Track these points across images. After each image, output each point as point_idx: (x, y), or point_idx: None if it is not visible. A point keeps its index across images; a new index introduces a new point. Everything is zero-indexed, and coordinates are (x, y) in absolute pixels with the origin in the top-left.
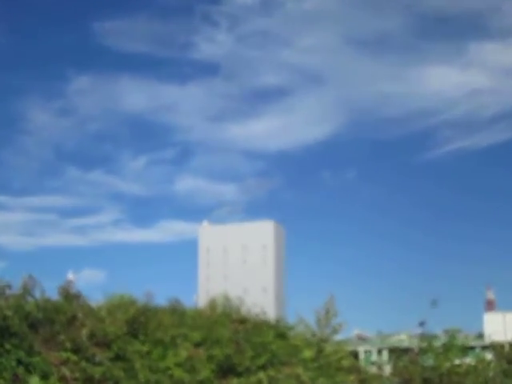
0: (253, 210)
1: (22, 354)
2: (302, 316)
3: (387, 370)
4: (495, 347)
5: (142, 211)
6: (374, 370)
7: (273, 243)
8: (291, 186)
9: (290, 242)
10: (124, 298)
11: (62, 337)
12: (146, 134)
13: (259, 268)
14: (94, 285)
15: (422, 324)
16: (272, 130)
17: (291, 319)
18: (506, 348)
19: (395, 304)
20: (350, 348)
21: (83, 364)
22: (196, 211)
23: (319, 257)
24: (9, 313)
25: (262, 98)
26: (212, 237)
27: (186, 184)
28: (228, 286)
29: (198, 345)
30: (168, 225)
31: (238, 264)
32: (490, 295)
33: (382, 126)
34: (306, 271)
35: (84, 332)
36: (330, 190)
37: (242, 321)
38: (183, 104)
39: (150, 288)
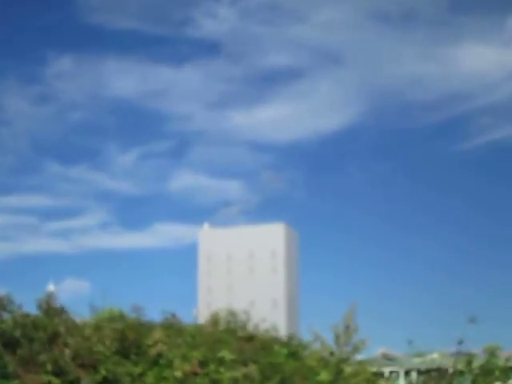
0: (261, 211)
1: None
2: (318, 332)
3: None
4: None
5: (134, 212)
6: None
7: (284, 249)
8: (305, 183)
9: (304, 247)
10: (113, 313)
11: (42, 357)
12: (137, 123)
13: (268, 277)
14: (79, 297)
15: (460, 342)
16: (282, 119)
17: (305, 336)
18: None
19: (426, 319)
20: (373, 369)
21: None
22: (195, 212)
23: (337, 264)
24: None
25: (270, 82)
26: (214, 242)
27: (184, 181)
28: (232, 299)
29: (198, 366)
30: (163, 228)
31: (243, 273)
32: None
33: (410, 113)
34: (322, 281)
35: (67, 352)
36: (350, 188)
37: (249, 338)
38: (180, 89)
39: (142, 301)
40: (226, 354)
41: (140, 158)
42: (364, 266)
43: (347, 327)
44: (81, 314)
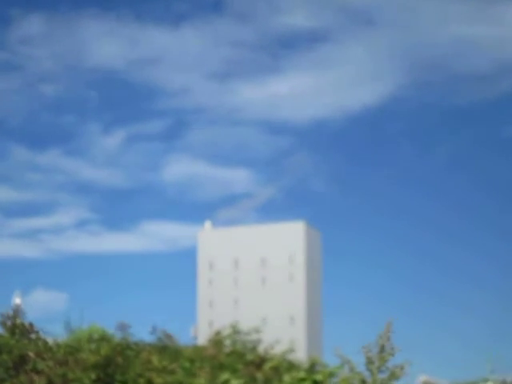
0: (275, 207)
1: None
2: (346, 355)
3: None
4: None
5: (118, 209)
6: None
7: (303, 253)
8: (329, 173)
9: (328, 251)
10: (94, 332)
11: None
12: (123, 99)
13: (284, 289)
14: (52, 312)
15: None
16: (301, 93)
17: (330, 360)
18: None
19: (475, 342)
20: None
21: None
22: (194, 209)
23: (368, 273)
24: None
25: (286, 47)
26: (217, 245)
27: (180, 170)
28: (240, 315)
29: None
30: (155, 228)
31: (253, 284)
32: None
33: (457, 87)
34: (349, 292)
35: (38, 379)
36: (384, 179)
37: (260, 363)
38: (175, 56)
39: (130, 317)
40: (231, 383)
41: (126, 142)
42: (399, 274)
43: (382, 349)
44: (55, 334)
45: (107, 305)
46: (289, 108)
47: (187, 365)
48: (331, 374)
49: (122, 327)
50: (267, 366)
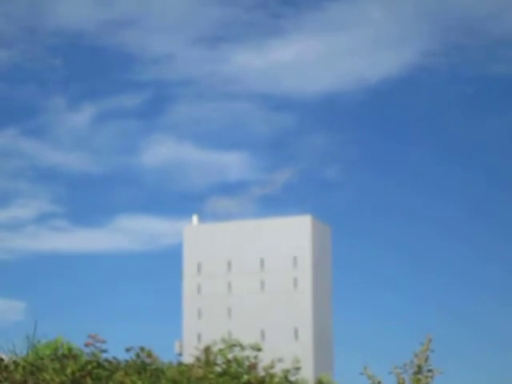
0: (277, 198)
1: None
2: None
3: None
4: None
5: (88, 200)
6: None
7: (310, 253)
8: (341, 156)
9: (340, 250)
10: (58, 348)
11: None
12: (93, 68)
13: (287, 295)
14: (9, 324)
15: None
16: (309, 61)
17: (343, 379)
18: None
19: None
20: None
21: None
22: (179, 200)
23: (388, 275)
24: None
25: (290, 5)
26: (206, 243)
27: (162, 153)
28: (234, 326)
29: None
30: (131, 223)
31: (250, 289)
32: None
33: (496, 54)
34: (366, 299)
35: None
36: (407, 162)
37: None
38: (154, 17)
39: (102, 330)
40: None
41: (97, 120)
42: (426, 278)
43: (418, 370)
44: (11, 349)
45: (75, 315)
46: (293, 79)
47: None
48: None
49: (93, 341)
50: None
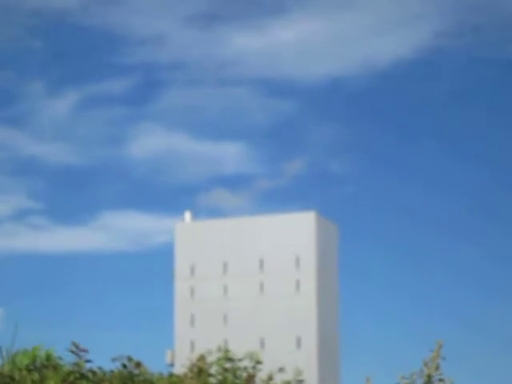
0: (277, 193)
1: None
2: None
3: None
4: None
5: (70, 195)
6: None
7: (315, 253)
8: (348, 148)
9: (348, 249)
10: (37, 357)
11: None
12: (75, 50)
13: (289, 300)
14: None
15: None
16: (312, 42)
17: None
18: None
19: None
20: None
21: None
22: (169, 195)
23: (399, 276)
24: None
25: None
26: (200, 242)
27: (151, 144)
28: (230, 334)
29: None
30: (118, 220)
31: (248, 292)
32: None
33: None
34: (376, 304)
35: None
36: (422, 153)
37: None
38: None
39: (86, 338)
40: None
41: (80, 107)
42: (436, 281)
43: (428, 380)
44: None
45: (56, 321)
46: (295, 62)
47: None
48: None
49: (76, 350)
50: None
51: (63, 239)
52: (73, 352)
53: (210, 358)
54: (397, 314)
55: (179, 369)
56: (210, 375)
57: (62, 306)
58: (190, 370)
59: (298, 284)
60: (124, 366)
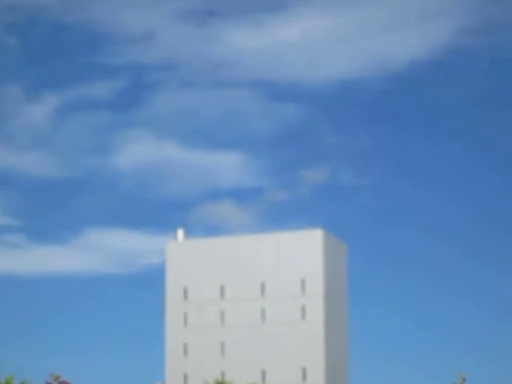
0: (280, 209)
1: None
2: None
3: None
4: None
5: (49, 210)
6: None
7: (322, 275)
8: (362, 158)
9: (358, 271)
10: None
11: None
12: (56, 50)
13: (293, 327)
14: None
15: None
16: (319, 40)
17: None
18: None
19: None
20: None
21: None
22: (161, 210)
23: (415, 299)
24: None
25: None
26: (194, 263)
27: (140, 154)
28: (228, 365)
29: None
30: (102, 238)
31: (248, 319)
32: None
33: None
34: (391, 332)
35: None
36: (442, 162)
37: None
38: None
39: (67, 368)
40: None
41: (61, 113)
42: (454, 306)
43: None
44: None
45: (33, 348)
46: (300, 63)
47: None
48: None
49: (55, 382)
50: None
51: (42, 259)
52: None
53: None
54: (412, 343)
55: None
56: None
57: (40, 331)
58: None
59: (303, 310)
60: None
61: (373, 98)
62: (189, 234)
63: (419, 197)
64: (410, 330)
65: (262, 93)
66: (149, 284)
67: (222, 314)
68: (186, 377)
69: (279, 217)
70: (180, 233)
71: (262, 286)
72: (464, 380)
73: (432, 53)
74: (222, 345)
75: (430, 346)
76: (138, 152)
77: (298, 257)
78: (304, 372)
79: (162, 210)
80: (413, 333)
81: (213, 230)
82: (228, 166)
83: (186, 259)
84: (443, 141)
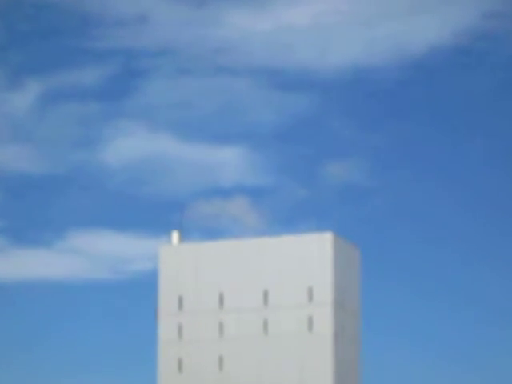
0: (286, 209)
1: None
2: None
3: None
4: None
5: (30, 210)
6: None
7: (331, 282)
8: (377, 153)
9: (371, 278)
10: None
11: None
12: (39, 33)
13: (299, 340)
14: None
15: None
16: (329, 24)
17: None
18: None
19: None
20: None
21: None
22: (154, 210)
23: (436, 310)
24: None
25: None
26: (190, 269)
27: (131, 148)
28: (227, 382)
29: None
30: (89, 241)
31: (249, 331)
32: None
33: None
34: (406, 341)
35: None
36: (464, 165)
37: None
38: None
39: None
40: None
41: (44, 102)
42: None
43: None
44: None
45: (14, 362)
46: (309, 49)
47: None
48: None
49: None
50: None
51: (22, 264)
52: None
53: None
54: (431, 359)
55: None
56: None
57: (22, 343)
58: None
59: (310, 322)
60: None
61: (389, 88)
62: (184, 236)
63: (440, 200)
64: (428, 347)
65: (266, 81)
66: (139, 292)
67: (221, 326)
68: None
69: (285, 218)
70: (175, 235)
71: (265, 295)
72: None
73: (455, 38)
74: (221, 359)
75: (452, 371)
76: (129, 146)
77: (305, 262)
78: None
79: (155, 210)
80: (432, 350)
81: (211, 232)
82: (229, 162)
83: (181, 265)
84: (467, 135)
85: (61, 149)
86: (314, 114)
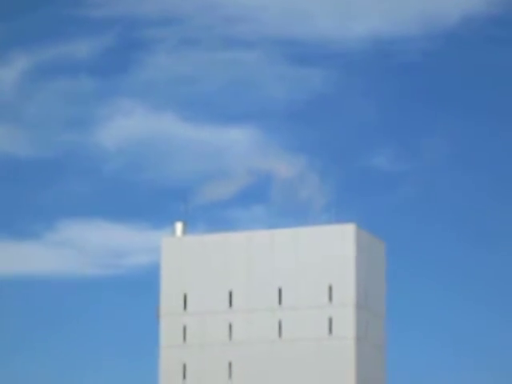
0: (303, 198)
1: None
2: None
3: None
4: None
5: (19, 199)
6: None
7: (353, 279)
8: (400, 138)
9: (398, 274)
10: None
11: None
12: (26, 1)
13: (318, 345)
14: None
15: None
16: None
17: None
18: None
19: None
20: None
21: None
22: (154, 198)
23: (465, 307)
24: None
25: None
26: (195, 264)
27: (129, 128)
28: None
29: None
30: (82, 232)
31: (262, 335)
32: None
33: None
34: (434, 343)
35: None
36: (499, 150)
37: None
38: None
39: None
40: None
41: (31, 77)
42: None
43: None
44: None
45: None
46: (328, 19)
47: None
48: None
49: None
50: None
51: (9, 258)
52: None
53: None
54: (461, 363)
55: None
56: None
57: (8, 347)
58: None
59: (330, 323)
60: None
61: (416, 61)
62: (189, 228)
63: (477, 188)
64: (462, 352)
65: (281, 54)
66: (139, 289)
67: (230, 328)
68: None
69: (300, 208)
70: (178, 226)
71: (280, 293)
72: None
73: (490, 6)
74: (230, 365)
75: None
76: (127, 127)
77: (324, 258)
78: None
79: (156, 198)
80: (467, 356)
81: (219, 223)
82: (238, 143)
83: (186, 259)
84: (504, 115)
85: (51, 130)
86: (333, 91)
